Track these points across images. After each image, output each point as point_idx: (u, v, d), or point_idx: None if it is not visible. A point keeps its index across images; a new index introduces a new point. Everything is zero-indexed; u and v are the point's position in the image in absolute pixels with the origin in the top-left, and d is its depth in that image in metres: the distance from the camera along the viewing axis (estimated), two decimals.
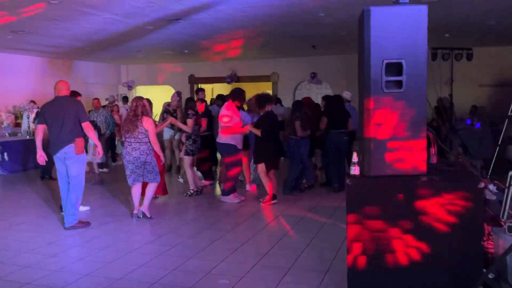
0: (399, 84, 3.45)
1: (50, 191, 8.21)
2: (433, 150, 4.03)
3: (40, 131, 5.78)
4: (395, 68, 3.46)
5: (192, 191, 7.58)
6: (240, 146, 7.02)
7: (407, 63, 3.42)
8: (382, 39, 3.42)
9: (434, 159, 4.00)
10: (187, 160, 7.58)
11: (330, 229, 5.62)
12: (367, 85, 3.50)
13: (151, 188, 6.14)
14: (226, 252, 4.79)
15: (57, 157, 5.72)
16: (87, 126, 5.67)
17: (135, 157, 5.96)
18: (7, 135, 10.66)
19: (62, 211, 6.33)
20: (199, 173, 8.60)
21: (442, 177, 3.48)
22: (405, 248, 3.38)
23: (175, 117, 8.16)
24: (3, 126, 11.29)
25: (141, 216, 6.09)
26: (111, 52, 12.82)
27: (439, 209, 3.35)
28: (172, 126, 8.96)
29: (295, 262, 4.49)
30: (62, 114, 5.58)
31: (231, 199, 7.00)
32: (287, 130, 7.51)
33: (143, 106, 6.00)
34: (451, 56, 10.96)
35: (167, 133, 9.63)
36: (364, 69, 3.57)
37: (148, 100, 6.53)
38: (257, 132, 6.69)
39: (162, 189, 7.04)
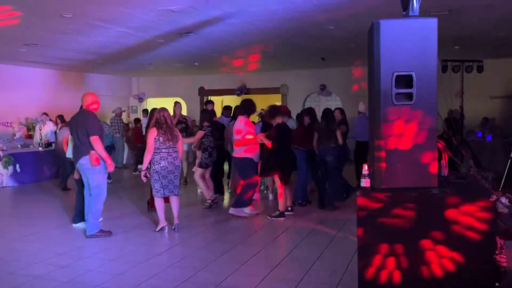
0: (409, 96, 3.46)
1: (62, 202, 8.27)
2: (444, 163, 4.01)
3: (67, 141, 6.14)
4: (405, 81, 3.47)
5: (210, 202, 7.58)
6: (256, 160, 6.96)
7: (418, 75, 3.43)
8: (392, 51, 3.44)
9: (445, 171, 3.98)
10: (199, 172, 7.61)
11: (341, 242, 5.59)
12: (377, 97, 3.51)
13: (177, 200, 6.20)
14: (236, 264, 4.78)
15: (78, 167, 5.91)
16: (94, 140, 5.68)
17: (177, 165, 6.06)
18: (19, 147, 10.77)
19: (75, 222, 6.44)
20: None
21: (453, 190, 3.47)
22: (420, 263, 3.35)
23: (186, 125, 8.13)
24: (15, 137, 11.45)
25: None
26: (122, 64, 12.97)
27: (451, 223, 3.32)
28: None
29: (305, 275, 4.46)
30: (77, 126, 5.76)
31: (240, 211, 6.91)
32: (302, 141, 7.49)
33: (169, 116, 6.14)
34: (462, 68, 10.92)
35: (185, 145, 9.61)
36: (374, 81, 3.59)
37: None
38: (268, 143, 6.67)
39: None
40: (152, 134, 5.93)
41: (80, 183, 6.34)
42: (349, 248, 5.11)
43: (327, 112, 7.62)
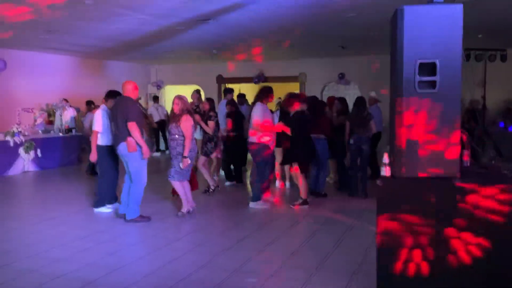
0: (432, 84, 3.40)
1: (84, 186, 8.41)
2: (466, 153, 3.95)
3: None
4: (428, 69, 3.41)
5: (213, 187, 7.67)
6: (272, 147, 6.94)
7: (442, 63, 3.36)
8: (415, 39, 3.37)
9: (467, 162, 3.92)
10: (203, 160, 7.68)
11: (358, 231, 5.57)
12: (400, 85, 3.45)
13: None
14: (253, 251, 4.81)
15: (118, 154, 6.06)
16: (131, 126, 5.77)
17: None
18: (40, 132, 10.95)
19: (99, 206, 6.53)
20: (222, 174, 8.66)
21: (475, 180, 3.41)
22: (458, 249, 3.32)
23: (199, 113, 8.17)
24: (36, 123, 11.61)
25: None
26: (142, 52, 13.03)
27: (475, 213, 3.28)
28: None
29: (322, 263, 4.46)
30: (116, 113, 5.87)
31: (260, 204, 6.86)
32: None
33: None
34: (485, 57, 10.69)
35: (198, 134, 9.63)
36: (396, 69, 3.53)
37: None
38: (287, 131, 6.65)
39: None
40: (190, 121, 6.06)
41: (106, 168, 6.46)
42: (367, 237, 5.10)
43: (360, 100, 7.61)
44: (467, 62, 10.30)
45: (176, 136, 6.03)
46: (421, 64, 3.38)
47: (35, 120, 11.82)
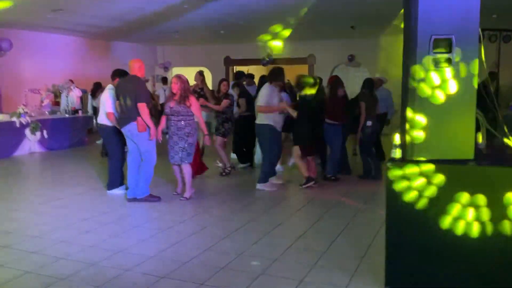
0: (448, 62, 3.23)
1: (90, 168, 8.35)
2: (481, 134, 3.80)
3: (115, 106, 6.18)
4: (444, 45, 3.24)
5: (229, 169, 7.62)
6: (279, 128, 6.81)
7: (458, 39, 3.19)
8: (430, 13, 3.20)
9: (482, 143, 3.76)
10: (220, 140, 7.60)
11: (367, 215, 5.46)
12: (413, 62, 3.29)
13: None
14: (259, 234, 4.71)
15: (124, 134, 5.96)
16: (141, 107, 5.70)
17: None
18: (47, 114, 10.89)
19: (109, 189, 6.46)
20: (234, 156, 8.55)
21: (491, 162, 3.27)
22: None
23: (203, 96, 8.04)
24: (43, 104, 11.55)
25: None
26: (148, 33, 12.87)
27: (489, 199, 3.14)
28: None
29: (329, 246, 4.36)
30: (126, 92, 5.77)
31: (268, 186, 6.74)
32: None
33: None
34: (499, 38, 10.40)
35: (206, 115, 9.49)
36: (410, 46, 3.36)
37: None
38: (292, 113, 6.50)
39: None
40: (197, 101, 6.09)
41: (115, 149, 6.39)
42: (375, 221, 4.97)
43: (370, 81, 7.61)
44: (480, 43, 10.02)
45: (185, 116, 5.92)
46: (436, 40, 3.21)
47: (42, 101, 11.75)
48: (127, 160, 6.09)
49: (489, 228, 3.10)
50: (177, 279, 3.65)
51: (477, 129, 3.58)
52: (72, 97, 11.38)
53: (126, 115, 5.81)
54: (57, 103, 12.00)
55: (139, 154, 5.94)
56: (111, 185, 6.49)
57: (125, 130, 5.88)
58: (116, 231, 4.83)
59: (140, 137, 5.83)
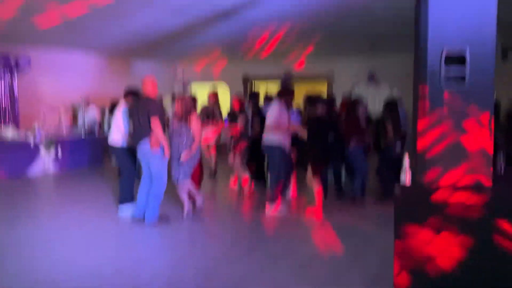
0: (461, 80, 2.96)
1: (103, 189, 8.23)
2: (500, 159, 3.48)
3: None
4: (456, 61, 2.98)
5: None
6: (287, 148, 6.54)
7: (472, 54, 2.92)
8: (442, 26, 2.95)
9: (501, 169, 3.45)
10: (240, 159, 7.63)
11: (379, 242, 5.10)
12: (423, 79, 3.03)
13: None
14: (259, 264, 4.42)
15: (138, 155, 5.86)
16: (153, 120, 5.58)
17: None
18: (65, 133, 10.88)
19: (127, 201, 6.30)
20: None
21: (510, 190, 2.96)
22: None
23: (213, 116, 7.87)
24: (61, 123, 11.56)
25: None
26: (166, 51, 12.86)
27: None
28: None
29: (335, 277, 4.05)
30: (138, 111, 5.70)
31: (274, 211, 6.47)
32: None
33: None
34: None
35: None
36: (420, 61, 3.11)
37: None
38: (303, 133, 6.25)
39: None
40: (198, 122, 6.03)
41: (127, 166, 6.28)
42: (388, 250, 4.64)
43: (393, 101, 7.29)
44: (504, 61, 9.62)
45: (185, 135, 5.78)
46: (448, 56, 2.94)
47: (60, 120, 11.81)
48: (141, 180, 5.95)
49: None
50: None
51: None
52: (89, 117, 11.36)
53: (140, 132, 5.71)
54: (75, 122, 12.03)
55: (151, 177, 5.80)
56: (123, 200, 6.32)
57: (139, 149, 5.75)
58: (111, 253, 4.62)
59: (152, 156, 5.70)
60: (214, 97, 8.57)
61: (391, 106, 7.15)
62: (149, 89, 5.80)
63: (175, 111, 5.92)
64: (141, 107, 5.68)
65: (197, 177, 6.67)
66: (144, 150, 5.68)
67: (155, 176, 5.74)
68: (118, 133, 6.27)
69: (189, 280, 3.97)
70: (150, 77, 5.92)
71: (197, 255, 4.65)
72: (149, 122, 5.58)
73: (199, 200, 6.18)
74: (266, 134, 6.44)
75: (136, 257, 4.60)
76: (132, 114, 5.87)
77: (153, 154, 5.66)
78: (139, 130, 5.71)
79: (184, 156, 5.83)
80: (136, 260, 4.50)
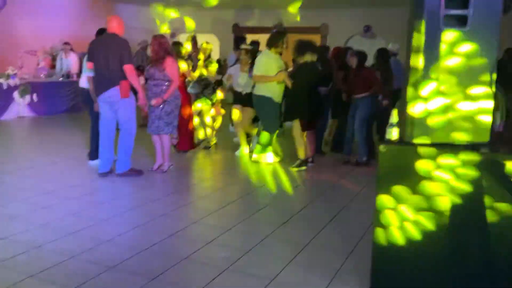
0: (462, 20, 2.55)
1: (77, 136, 7.85)
2: (499, 114, 3.13)
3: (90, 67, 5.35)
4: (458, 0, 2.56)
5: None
6: (277, 100, 6.08)
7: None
8: None
9: (500, 126, 3.10)
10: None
11: (363, 201, 4.81)
12: (419, 21, 2.62)
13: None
14: (236, 219, 4.14)
15: (101, 100, 5.22)
16: (129, 69, 5.05)
17: None
18: (43, 77, 10.38)
19: (91, 158, 5.89)
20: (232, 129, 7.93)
21: (508, 149, 2.61)
22: None
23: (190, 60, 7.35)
24: (39, 67, 11.02)
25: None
26: None
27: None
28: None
29: (313, 238, 3.77)
30: (107, 53, 5.06)
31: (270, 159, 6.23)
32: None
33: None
34: None
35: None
36: (417, 2, 2.68)
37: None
38: (288, 83, 5.80)
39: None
40: (175, 64, 5.49)
41: (95, 115, 5.72)
42: (372, 209, 4.35)
43: (385, 51, 6.92)
44: (506, 14, 9.09)
45: (161, 81, 5.34)
46: None
47: (39, 64, 11.24)
48: (100, 129, 5.38)
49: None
50: (127, 270, 3.11)
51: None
52: (68, 61, 10.81)
53: (106, 78, 5.11)
54: (54, 66, 11.45)
55: (114, 124, 5.35)
56: (92, 155, 5.91)
57: (104, 97, 5.17)
58: (76, 209, 4.29)
59: (122, 104, 5.17)
60: (192, 42, 8.02)
61: (382, 54, 6.73)
62: (113, 26, 5.18)
63: (150, 53, 5.42)
64: (112, 51, 5.03)
65: (186, 140, 6.32)
66: (113, 98, 5.11)
67: (125, 125, 5.29)
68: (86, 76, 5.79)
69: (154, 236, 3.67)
70: (115, 17, 5.37)
71: (161, 214, 4.34)
72: (121, 67, 5.02)
73: (165, 165, 5.69)
74: (256, 87, 6.04)
75: (93, 215, 4.27)
76: (93, 57, 5.18)
77: (122, 101, 5.14)
78: (106, 76, 5.08)
79: (154, 101, 5.36)
80: (93, 218, 4.18)
